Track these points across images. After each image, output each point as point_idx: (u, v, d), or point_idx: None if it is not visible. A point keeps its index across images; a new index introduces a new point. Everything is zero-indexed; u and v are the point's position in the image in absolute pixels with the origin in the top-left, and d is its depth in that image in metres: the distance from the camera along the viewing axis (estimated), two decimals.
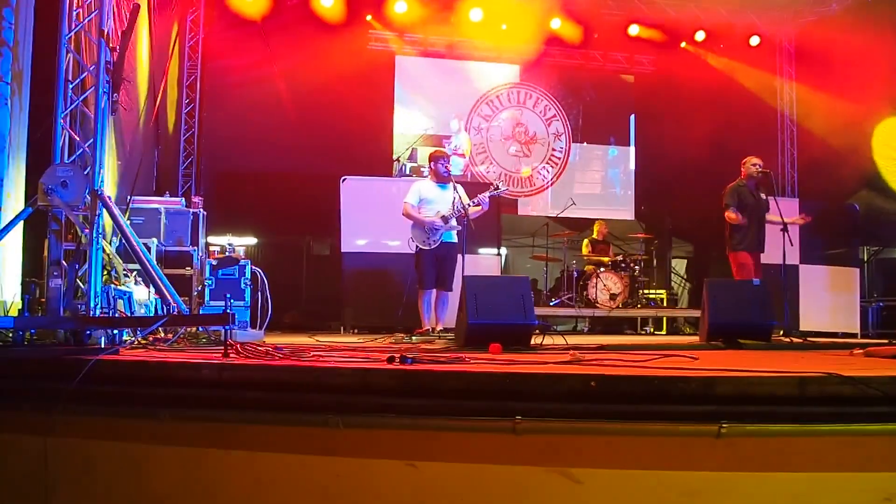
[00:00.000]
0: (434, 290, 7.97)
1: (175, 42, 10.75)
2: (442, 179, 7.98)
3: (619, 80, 13.98)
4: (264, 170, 11.76)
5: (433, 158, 8.12)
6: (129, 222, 5.53)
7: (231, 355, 3.97)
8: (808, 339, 7.99)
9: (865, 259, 12.25)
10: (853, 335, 10.67)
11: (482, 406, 3.07)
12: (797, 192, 13.30)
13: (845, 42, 11.39)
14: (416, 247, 7.95)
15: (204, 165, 11.85)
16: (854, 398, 3.00)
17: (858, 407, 2.99)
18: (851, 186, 12.38)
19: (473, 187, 9.07)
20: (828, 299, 10.73)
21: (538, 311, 7.14)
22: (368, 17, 12.42)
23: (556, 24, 12.40)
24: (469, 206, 7.79)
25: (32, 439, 3.31)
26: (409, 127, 12.98)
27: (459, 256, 7.88)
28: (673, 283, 13.56)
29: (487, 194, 7.95)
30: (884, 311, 11.62)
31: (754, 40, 13.13)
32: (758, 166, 8.45)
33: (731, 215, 8.29)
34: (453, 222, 7.87)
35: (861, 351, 5.42)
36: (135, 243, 5.08)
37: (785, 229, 8.11)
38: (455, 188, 7.89)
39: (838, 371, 3.13)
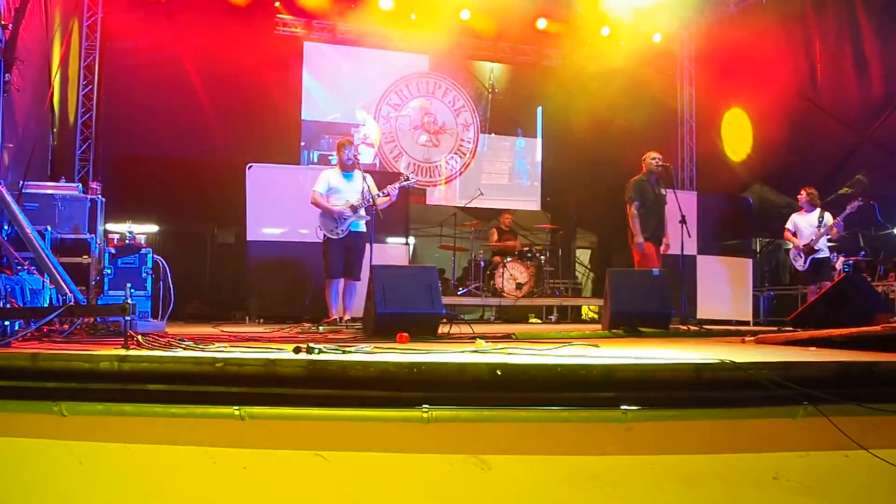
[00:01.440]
0: (342, 280, 7.93)
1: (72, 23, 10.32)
2: (348, 168, 7.94)
3: (526, 72, 14.15)
4: (167, 155, 11.43)
5: (340, 146, 8.07)
6: (21, 208, 5.30)
7: (131, 347, 3.86)
8: (704, 326, 8.29)
9: (758, 250, 12.79)
10: (746, 323, 11.11)
11: (390, 395, 3.08)
12: (695, 186, 13.74)
13: (742, 41, 11.83)
14: (324, 235, 7.89)
15: (102, 149, 11.40)
16: (746, 382, 3.14)
17: (749, 391, 3.12)
18: (745, 180, 12.90)
19: (383, 177, 9.06)
20: (723, 289, 11.14)
21: (446, 300, 7.18)
22: (277, 3, 12.18)
23: (466, 14, 12.45)
24: (378, 196, 7.77)
25: None
26: (317, 114, 12.83)
27: (367, 246, 7.86)
28: (577, 272, 13.86)
29: (397, 185, 7.96)
30: (774, 299, 12.17)
31: (656, 37, 13.48)
32: (657, 160, 8.71)
33: (632, 211, 8.53)
34: (362, 212, 7.85)
35: (753, 338, 5.67)
36: (28, 230, 4.88)
37: (683, 221, 8.38)
38: (364, 178, 7.86)
39: (731, 357, 3.27)
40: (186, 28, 11.47)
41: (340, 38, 12.91)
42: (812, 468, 3.11)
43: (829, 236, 9.53)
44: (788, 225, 9.87)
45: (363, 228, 7.97)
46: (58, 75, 9.58)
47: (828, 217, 9.49)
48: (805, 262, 9.65)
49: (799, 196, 9.87)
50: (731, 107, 12.62)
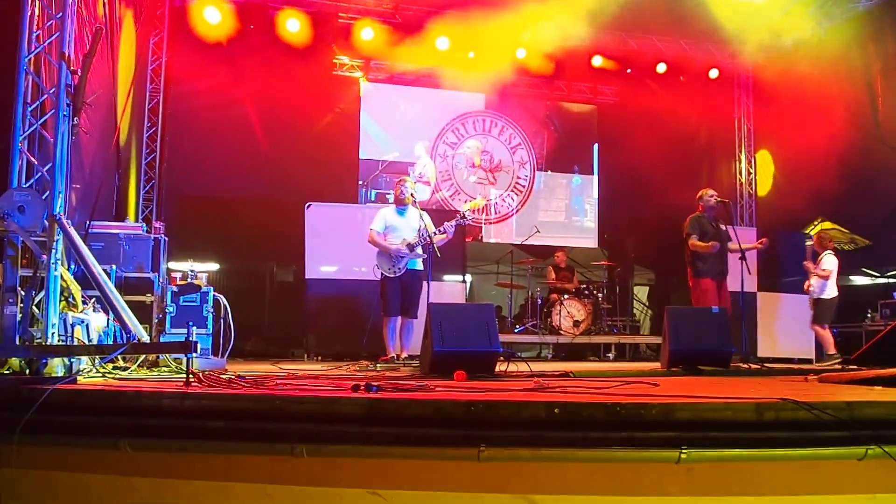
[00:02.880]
0: (399, 318, 7.96)
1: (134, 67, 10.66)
2: (402, 203, 8.00)
3: (583, 109, 14.16)
4: (227, 195, 11.66)
5: (398, 183, 8.16)
6: (88, 248, 5.45)
7: (193, 384, 3.93)
8: (765, 365, 8.10)
9: None
10: (808, 361, 10.82)
11: (447, 434, 3.07)
12: (755, 223, 13.53)
13: (800, 76, 11.68)
14: (381, 274, 7.94)
15: (165, 190, 11.69)
16: (809, 423, 3.06)
17: (813, 431, 3.04)
18: (806, 216, 12.64)
19: (439, 214, 9.11)
20: (784, 326, 10.88)
21: (503, 337, 7.15)
22: (334, 46, 12.42)
23: (522, 53, 12.52)
24: (434, 234, 7.81)
25: None
26: (374, 153, 12.99)
27: (424, 283, 7.89)
28: (635, 310, 13.67)
29: (454, 223, 7.99)
30: (837, 337, 11.82)
31: (713, 73, 13.41)
32: (714, 197, 8.63)
33: (696, 242, 8.43)
34: (419, 250, 7.88)
35: (815, 377, 5.52)
36: (94, 269, 5.01)
37: (743, 258, 8.25)
38: (420, 216, 7.91)
39: (794, 397, 3.19)
40: (247, 70, 11.76)
41: (397, 77, 13.08)
42: None
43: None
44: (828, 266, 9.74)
45: (420, 266, 8.00)
46: (124, 118, 9.88)
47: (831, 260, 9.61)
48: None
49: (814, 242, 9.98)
50: (790, 142, 12.41)
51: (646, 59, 13.19)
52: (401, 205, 8.02)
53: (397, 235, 7.90)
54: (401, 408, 3.19)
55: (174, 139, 11.73)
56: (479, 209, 13.19)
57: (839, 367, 7.66)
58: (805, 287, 9.84)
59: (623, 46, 12.99)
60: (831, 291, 9.67)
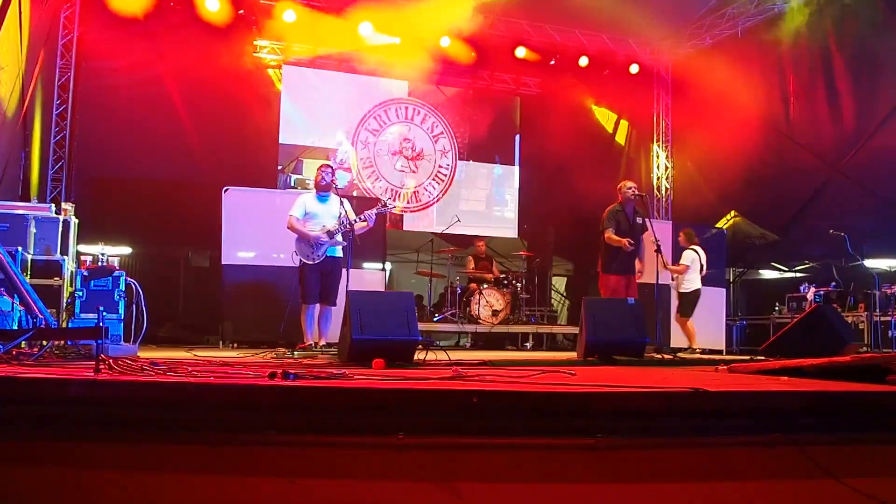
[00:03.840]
0: (317, 305, 7.89)
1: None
2: (323, 189, 7.91)
3: (505, 100, 14.26)
4: (142, 177, 11.33)
5: (317, 174, 8.05)
6: None
7: (103, 371, 3.81)
8: (678, 355, 8.34)
9: (731, 280, 12.92)
10: (719, 352, 11.18)
11: (365, 422, 3.05)
12: (671, 216, 13.87)
13: (717, 74, 12.01)
14: (300, 261, 7.85)
15: (76, 170, 11.28)
16: (717, 412, 3.15)
17: (721, 420, 3.14)
18: (720, 211, 13.05)
19: (360, 202, 9.06)
20: (697, 318, 11.22)
21: (422, 326, 7.16)
22: (255, 27, 12.18)
23: (446, 42, 12.52)
24: (355, 221, 7.76)
25: None
26: (294, 138, 12.81)
27: (343, 271, 7.83)
28: (553, 300, 13.88)
29: (374, 211, 7.94)
30: (747, 328, 12.30)
31: (634, 68, 13.67)
32: (633, 189, 8.79)
33: (611, 235, 8.58)
34: (339, 237, 7.82)
35: (725, 367, 5.71)
36: None
37: (658, 250, 8.45)
38: (341, 202, 7.85)
39: (704, 387, 3.28)
40: (164, 48, 11.44)
41: (319, 61, 12.93)
42: (787, 497, 3.12)
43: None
44: (684, 261, 10.39)
45: (340, 254, 7.93)
46: (31, 94, 9.50)
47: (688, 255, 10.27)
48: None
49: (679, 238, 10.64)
50: (706, 138, 12.77)
51: (569, 52, 13.35)
52: (321, 191, 7.93)
53: (317, 222, 7.81)
54: (319, 396, 3.16)
55: (86, 117, 11.32)
56: (399, 197, 13.17)
57: (748, 358, 7.93)
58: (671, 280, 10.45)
59: (547, 38, 13.12)
60: (691, 285, 10.08)
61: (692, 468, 3.10)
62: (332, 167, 8.22)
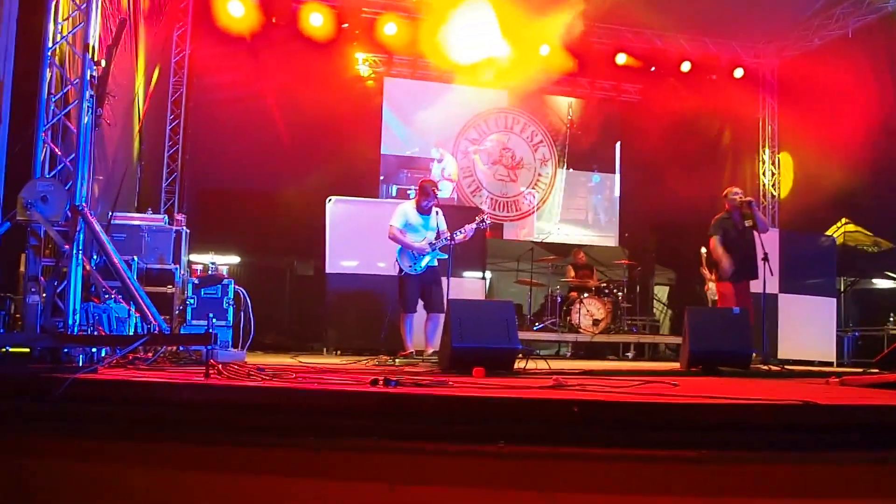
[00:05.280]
0: (413, 315, 7.97)
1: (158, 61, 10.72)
2: (424, 212, 8.00)
3: (605, 107, 14.09)
4: (249, 188, 11.71)
5: (421, 191, 8.06)
6: (110, 239, 5.48)
7: (212, 376, 3.94)
8: (786, 367, 8.03)
9: (842, 289, 12.36)
10: (829, 364, 10.73)
11: (465, 430, 3.06)
12: (778, 223, 13.41)
13: (826, 76, 11.56)
14: (400, 270, 7.95)
15: (188, 182, 11.77)
16: (830, 427, 3.02)
17: (834, 435, 3.01)
18: (830, 218, 12.52)
19: (459, 211, 9.10)
20: (806, 329, 10.80)
21: (522, 335, 7.12)
22: (356, 41, 12.41)
23: (546, 50, 12.46)
24: (455, 235, 7.86)
25: (6, 459, 3.24)
26: (396, 149, 12.99)
27: (444, 278, 7.90)
28: (655, 309, 13.61)
29: (473, 226, 7.99)
30: (859, 340, 11.73)
31: (738, 72, 13.29)
32: (739, 195, 8.52)
33: (716, 244, 8.36)
34: (438, 250, 7.91)
35: (837, 380, 5.47)
36: (116, 260, 5.04)
37: (765, 259, 8.16)
38: (437, 213, 7.95)
39: (814, 400, 3.16)
40: (269, 64, 11.78)
41: (420, 73, 13.08)
42: None
43: None
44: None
45: (437, 263, 8.03)
46: (147, 111, 9.93)
47: None
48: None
49: None
50: (815, 143, 12.29)
51: (670, 58, 13.09)
52: (423, 212, 8.01)
53: (418, 234, 7.90)
54: (419, 403, 3.19)
55: (196, 132, 11.80)
56: (499, 205, 13.17)
57: (860, 370, 7.57)
58: (706, 289, 10.31)
59: (647, 44, 12.91)
60: None
61: (801, 485, 2.98)
62: (435, 188, 8.25)
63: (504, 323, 5.86)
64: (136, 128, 9.37)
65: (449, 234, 7.84)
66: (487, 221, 8.33)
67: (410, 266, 7.88)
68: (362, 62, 12.68)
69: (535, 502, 2.95)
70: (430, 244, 7.85)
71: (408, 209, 8.08)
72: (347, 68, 12.49)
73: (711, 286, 9.97)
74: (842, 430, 3.01)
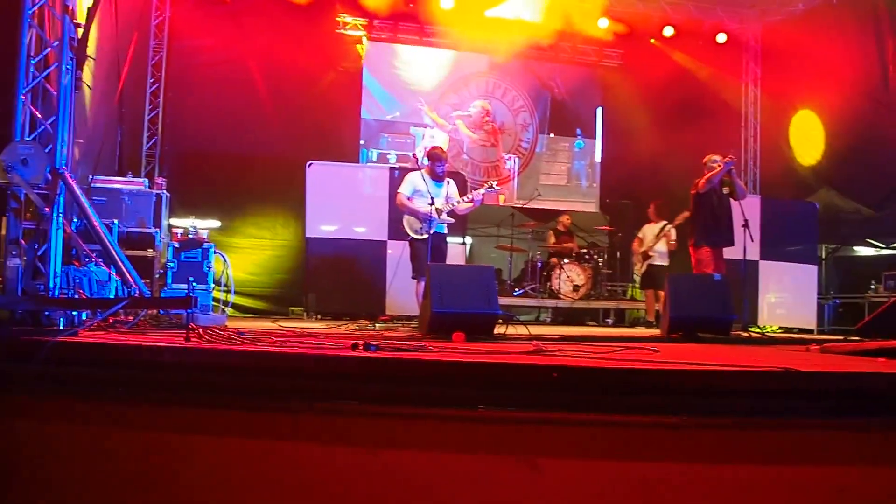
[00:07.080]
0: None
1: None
2: (437, 178, 8.06)
3: (587, 72, 14.02)
4: (230, 152, 11.60)
5: (433, 157, 8.17)
6: (90, 202, 5.43)
7: (193, 339, 3.93)
8: (766, 334, 8.12)
9: (823, 257, 12.46)
10: (810, 331, 10.85)
11: (445, 394, 3.08)
12: (759, 190, 13.46)
13: (810, 41, 11.54)
14: (409, 237, 7.96)
15: (168, 146, 11.65)
16: (809, 393, 3.06)
17: (814, 402, 3.04)
18: (812, 185, 12.58)
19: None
20: (786, 295, 10.89)
21: (502, 300, 7.14)
22: (337, 4, 12.26)
23: (527, 15, 12.35)
24: (461, 201, 8.02)
25: None
26: (376, 113, 12.89)
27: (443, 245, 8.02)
28: (635, 275, 13.68)
29: (482, 191, 8.10)
30: (840, 307, 11.85)
31: (721, 37, 13.23)
32: (718, 162, 8.54)
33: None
34: (445, 216, 7.94)
35: (817, 347, 5.53)
36: (96, 224, 5.01)
37: (746, 225, 8.20)
38: (447, 182, 8.04)
39: (795, 366, 3.19)
40: (250, 27, 11.64)
41: (401, 36, 12.95)
42: (881, 483, 3.01)
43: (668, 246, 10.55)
44: (639, 233, 10.80)
45: (446, 231, 8.15)
46: (126, 73, 9.79)
47: (669, 227, 10.46)
48: (642, 268, 10.82)
49: (648, 209, 10.93)
50: (797, 109, 12.32)
51: (653, 22, 13.03)
52: (436, 179, 8.06)
53: (424, 201, 7.90)
54: (399, 368, 3.20)
55: (177, 95, 11.67)
56: (480, 171, 13.14)
57: (841, 338, 7.66)
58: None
59: (630, 9, 12.82)
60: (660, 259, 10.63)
61: (780, 450, 3.02)
62: (444, 158, 8.29)
63: (484, 288, 5.88)
64: (118, 91, 9.25)
65: (455, 200, 7.94)
66: (497, 187, 8.40)
67: (419, 230, 7.93)
68: (343, 25, 12.52)
69: (515, 466, 2.98)
70: (437, 210, 7.85)
71: (415, 177, 8.10)
72: (328, 32, 12.34)
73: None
74: (822, 397, 3.04)
